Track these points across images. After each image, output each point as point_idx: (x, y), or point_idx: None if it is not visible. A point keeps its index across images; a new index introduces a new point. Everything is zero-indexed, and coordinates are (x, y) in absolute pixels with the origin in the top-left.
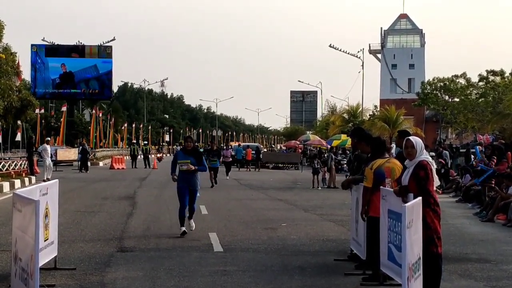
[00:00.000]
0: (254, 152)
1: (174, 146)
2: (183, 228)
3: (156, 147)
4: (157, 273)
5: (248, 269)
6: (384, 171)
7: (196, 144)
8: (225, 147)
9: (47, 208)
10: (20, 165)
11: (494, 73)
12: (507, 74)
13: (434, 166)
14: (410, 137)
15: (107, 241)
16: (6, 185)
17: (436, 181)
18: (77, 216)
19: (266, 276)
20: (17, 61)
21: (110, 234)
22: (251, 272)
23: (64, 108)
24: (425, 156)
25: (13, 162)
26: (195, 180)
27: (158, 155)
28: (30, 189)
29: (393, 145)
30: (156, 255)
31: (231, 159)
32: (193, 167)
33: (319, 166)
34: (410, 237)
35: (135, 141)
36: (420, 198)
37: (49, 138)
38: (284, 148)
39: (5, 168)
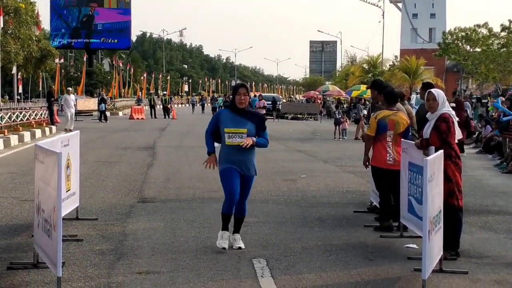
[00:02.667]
0: (270, 103)
1: (190, 97)
2: (225, 239)
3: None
4: (178, 224)
5: (268, 221)
6: (388, 123)
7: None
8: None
9: (68, 159)
10: (41, 114)
11: None
12: None
13: (456, 119)
14: (432, 90)
15: (127, 191)
16: (27, 135)
17: (458, 134)
18: (97, 166)
19: (286, 227)
20: (36, 11)
21: (131, 184)
22: (271, 223)
23: (84, 58)
24: (447, 108)
25: (33, 112)
26: (251, 160)
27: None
28: (52, 141)
29: (413, 95)
30: (176, 206)
31: (264, 111)
32: (251, 142)
33: (340, 116)
34: (431, 190)
35: (153, 91)
36: (441, 151)
37: (70, 88)
38: (303, 98)
39: (26, 118)
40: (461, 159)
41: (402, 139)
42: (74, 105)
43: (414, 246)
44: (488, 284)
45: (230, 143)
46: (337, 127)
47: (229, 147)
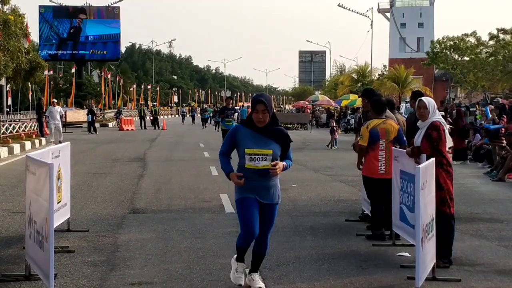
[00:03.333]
0: None
1: (179, 107)
2: (240, 273)
3: (150, 108)
4: (170, 235)
5: None
6: (379, 131)
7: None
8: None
9: (59, 171)
10: (30, 126)
11: (504, 31)
12: None
13: (446, 127)
14: (423, 98)
15: (118, 202)
16: (16, 147)
17: (449, 142)
18: (88, 177)
19: (278, 237)
20: (25, 23)
21: (122, 195)
22: None
23: (73, 70)
24: (438, 117)
25: (23, 124)
26: (274, 185)
27: (157, 116)
28: (42, 152)
29: (403, 104)
30: (168, 217)
31: None
32: (282, 167)
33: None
34: (424, 198)
35: (142, 102)
36: (433, 158)
37: (55, 100)
38: (293, 108)
39: (15, 130)
40: (452, 167)
41: (393, 148)
42: (61, 116)
43: (407, 254)
44: None
45: (251, 167)
46: (333, 136)
47: (248, 171)
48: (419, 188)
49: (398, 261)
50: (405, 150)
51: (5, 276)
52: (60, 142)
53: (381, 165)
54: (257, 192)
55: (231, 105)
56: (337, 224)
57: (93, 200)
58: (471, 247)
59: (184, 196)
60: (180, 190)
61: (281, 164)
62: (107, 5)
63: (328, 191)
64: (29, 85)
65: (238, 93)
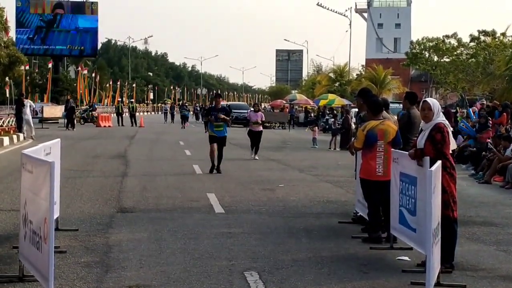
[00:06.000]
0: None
1: (162, 104)
2: None
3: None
4: (162, 235)
5: (253, 232)
6: (377, 133)
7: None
8: (252, 109)
9: None
10: (8, 122)
11: (485, 33)
12: (498, 35)
13: (450, 129)
14: (427, 99)
15: (105, 201)
16: None
17: (453, 144)
18: (70, 175)
19: (273, 238)
20: (5, 17)
21: (107, 194)
22: (256, 234)
23: (50, 65)
24: (442, 118)
25: (0, 119)
26: None
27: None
28: (36, 149)
29: None
30: (157, 216)
31: (261, 127)
32: None
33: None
34: (434, 202)
35: (120, 99)
36: (440, 161)
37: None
38: (269, 107)
39: None
40: (455, 169)
41: (393, 149)
42: (33, 110)
43: (406, 258)
44: None
45: None
46: (334, 137)
47: None
48: (431, 191)
49: (398, 265)
50: (406, 152)
51: None
52: (32, 138)
53: (379, 167)
54: None
55: (220, 105)
56: (330, 226)
57: (79, 198)
58: (470, 251)
59: (171, 195)
60: (166, 188)
61: None
62: (85, 0)
63: (316, 192)
64: (7, 80)
65: (214, 91)
